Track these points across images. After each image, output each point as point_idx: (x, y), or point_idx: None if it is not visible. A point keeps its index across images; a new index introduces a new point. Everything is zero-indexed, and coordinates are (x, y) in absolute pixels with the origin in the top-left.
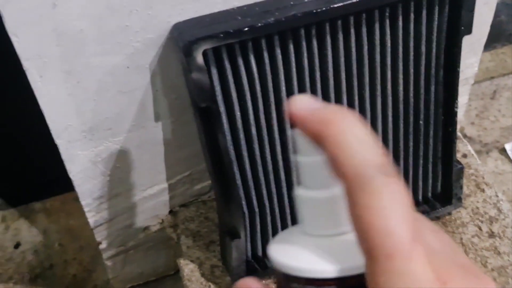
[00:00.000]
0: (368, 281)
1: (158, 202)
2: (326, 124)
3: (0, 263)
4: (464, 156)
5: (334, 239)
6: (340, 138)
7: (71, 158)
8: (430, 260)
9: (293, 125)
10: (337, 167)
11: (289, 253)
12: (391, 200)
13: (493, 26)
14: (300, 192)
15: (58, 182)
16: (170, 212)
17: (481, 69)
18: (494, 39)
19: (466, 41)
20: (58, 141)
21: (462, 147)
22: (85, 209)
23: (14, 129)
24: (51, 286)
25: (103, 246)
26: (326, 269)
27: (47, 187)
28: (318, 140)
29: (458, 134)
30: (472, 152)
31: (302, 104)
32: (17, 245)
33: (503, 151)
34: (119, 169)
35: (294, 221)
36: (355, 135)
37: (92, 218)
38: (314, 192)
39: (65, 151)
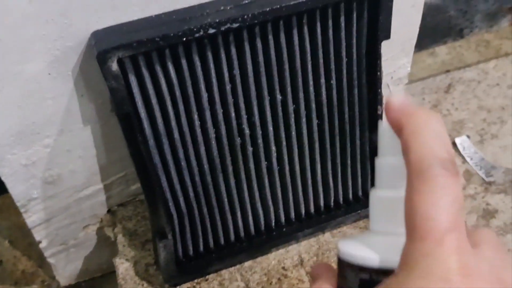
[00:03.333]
0: (400, 259)
1: (95, 202)
2: (409, 115)
3: None
4: None
5: (391, 237)
6: (416, 128)
7: (1, 161)
8: (465, 254)
9: (386, 116)
10: (406, 153)
11: (348, 243)
12: (441, 190)
13: (443, 21)
14: (372, 191)
15: None
16: (109, 211)
17: (437, 62)
18: (445, 34)
19: (396, 42)
20: None
21: None
22: (21, 210)
23: None
24: (0, 282)
25: (43, 245)
26: (368, 258)
27: None
28: (399, 129)
29: None
30: None
31: (397, 99)
32: None
33: (453, 145)
34: (52, 172)
35: (224, 222)
36: (431, 129)
37: (28, 218)
38: (382, 191)
39: None
